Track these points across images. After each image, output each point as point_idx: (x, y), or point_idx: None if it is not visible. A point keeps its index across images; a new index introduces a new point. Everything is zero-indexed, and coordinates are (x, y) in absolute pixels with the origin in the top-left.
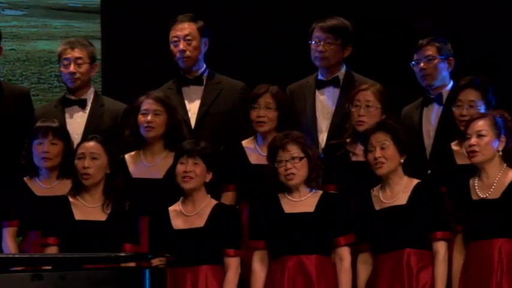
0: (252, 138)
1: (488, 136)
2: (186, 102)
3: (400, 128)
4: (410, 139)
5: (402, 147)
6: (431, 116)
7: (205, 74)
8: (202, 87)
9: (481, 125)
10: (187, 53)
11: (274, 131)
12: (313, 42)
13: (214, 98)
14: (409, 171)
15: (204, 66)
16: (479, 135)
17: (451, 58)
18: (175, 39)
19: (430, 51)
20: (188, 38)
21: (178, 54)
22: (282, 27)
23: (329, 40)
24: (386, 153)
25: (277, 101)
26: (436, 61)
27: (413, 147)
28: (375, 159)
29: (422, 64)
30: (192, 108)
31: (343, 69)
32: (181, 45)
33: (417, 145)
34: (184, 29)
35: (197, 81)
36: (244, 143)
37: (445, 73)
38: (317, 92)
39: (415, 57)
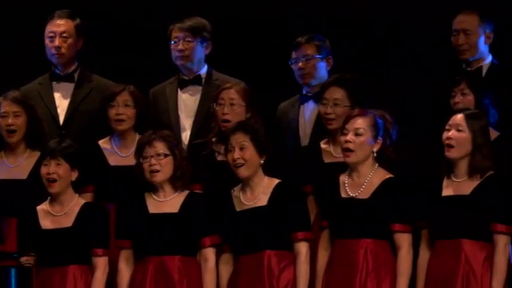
0: (108, 138)
1: (365, 136)
2: (56, 98)
3: (261, 128)
4: (271, 140)
5: (262, 148)
6: (308, 114)
7: (78, 72)
8: (73, 85)
9: (360, 123)
10: (62, 50)
11: (133, 129)
12: (173, 42)
13: (84, 96)
14: (268, 170)
15: (77, 63)
16: (357, 134)
17: (329, 57)
18: (51, 34)
19: (309, 50)
20: (64, 35)
21: (53, 50)
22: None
23: (188, 39)
24: (245, 154)
25: (134, 98)
26: (314, 60)
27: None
28: (234, 160)
29: (301, 63)
30: (62, 104)
31: (205, 68)
32: (57, 42)
33: (294, 143)
34: (61, 26)
35: (69, 78)
36: (101, 143)
37: (324, 72)
38: (179, 92)
39: (294, 55)
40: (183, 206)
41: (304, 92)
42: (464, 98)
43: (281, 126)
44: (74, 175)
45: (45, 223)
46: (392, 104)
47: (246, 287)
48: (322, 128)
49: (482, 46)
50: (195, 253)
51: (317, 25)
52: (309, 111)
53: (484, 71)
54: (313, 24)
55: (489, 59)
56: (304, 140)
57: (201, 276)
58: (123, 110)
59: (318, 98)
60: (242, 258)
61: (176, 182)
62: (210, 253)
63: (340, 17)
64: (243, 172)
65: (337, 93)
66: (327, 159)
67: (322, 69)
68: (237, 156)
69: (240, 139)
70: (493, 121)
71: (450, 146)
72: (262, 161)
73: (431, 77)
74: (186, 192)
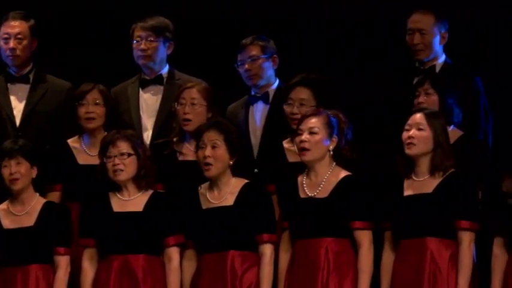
0: (77, 137)
1: (320, 134)
2: (12, 100)
3: (235, 130)
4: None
5: (233, 149)
6: (258, 114)
7: (33, 73)
8: (28, 86)
9: (314, 122)
10: (17, 51)
11: (103, 128)
12: (135, 41)
13: (40, 96)
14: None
15: (32, 64)
16: (311, 133)
17: (275, 56)
18: (6, 36)
19: (254, 51)
20: (19, 36)
21: (7, 52)
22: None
23: (150, 38)
24: (216, 152)
25: (104, 97)
26: (260, 61)
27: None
28: (204, 157)
29: (247, 65)
30: (18, 106)
31: (167, 68)
32: (12, 44)
33: (243, 144)
34: (16, 27)
35: (24, 79)
36: (70, 142)
37: (270, 71)
38: (141, 91)
39: (239, 57)
40: (147, 205)
41: (252, 93)
42: (428, 97)
43: None
44: (34, 172)
45: (6, 223)
46: (352, 103)
47: (208, 286)
48: (273, 128)
49: (437, 46)
50: (159, 252)
51: (273, 25)
52: (258, 112)
53: (437, 69)
54: (268, 25)
55: (442, 58)
56: (255, 141)
57: (165, 275)
58: (92, 108)
59: (284, 98)
60: (206, 257)
61: (140, 181)
62: (174, 252)
63: (296, 17)
64: (211, 172)
65: (303, 93)
66: (290, 159)
67: (268, 69)
68: (207, 154)
69: (213, 137)
70: (456, 120)
71: (411, 144)
72: (231, 162)
73: (385, 77)
74: (150, 191)
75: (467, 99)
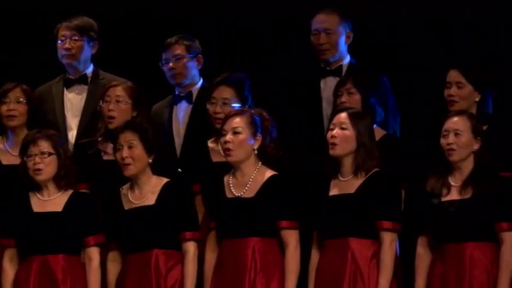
0: (1, 137)
1: (243, 134)
2: None
3: (150, 128)
4: (160, 139)
5: (150, 147)
6: (181, 114)
7: None
8: None
9: (238, 122)
10: None
11: (25, 126)
12: (60, 41)
13: None
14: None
15: None
16: (235, 133)
17: (199, 56)
18: None
19: (179, 50)
20: None
21: None
22: None
23: (75, 38)
24: (133, 152)
25: (27, 95)
26: (185, 60)
27: (163, 146)
28: (122, 158)
29: (171, 64)
30: None
31: (91, 68)
32: None
33: (167, 143)
34: None
35: None
36: None
37: (195, 71)
38: (65, 91)
39: (164, 56)
40: (67, 205)
41: (176, 92)
42: (351, 97)
43: (155, 126)
44: None
45: None
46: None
47: (134, 286)
48: (197, 127)
49: (343, 46)
50: (79, 252)
51: (197, 25)
52: (181, 111)
53: (344, 70)
54: (193, 24)
55: (348, 58)
56: (178, 140)
57: (85, 275)
58: (14, 106)
59: (207, 97)
60: (130, 257)
61: (60, 181)
62: (94, 252)
63: (219, 18)
64: (130, 171)
65: (225, 93)
66: (215, 159)
67: (192, 69)
68: (125, 155)
69: (129, 138)
70: (379, 120)
71: (334, 144)
72: (150, 160)
73: (291, 76)
74: (71, 191)
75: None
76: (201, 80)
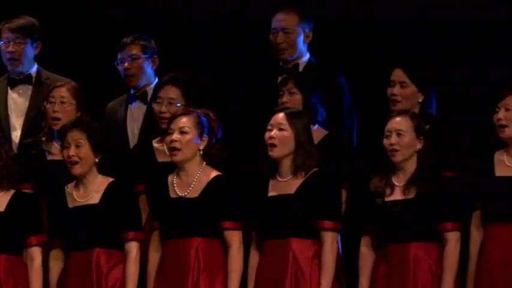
0: None
1: (191, 134)
2: None
3: (98, 127)
4: (108, 138)
5: (97, 146)
6: (136, 114)
7: None
8: None
9: (185, 121)
10: None
11: None
12: (2, 43)
13: None
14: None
15: None
16: (182, 132)
17: (155, 57)
18: None
19: (134, 50)
20: None
21: None
22: None
23: (18, 40)
24: (80, 152)
25: None
26: (140, 60)
27: (112, 145)
28: (69, 157)
29: (126, 63)
30: None
31: (35, 68)
32: None
33: (120, 143)
34: None
35: None
36: None
37: (150, 71)
38: (9, 91)
39: (119, 56)
40: (9, 205)
41: (131, 92)
42: (292, 97)
43: (110, 125)
44: None
45: None
46: (222, 102)
47: (75, 284)
48: (150, 127)
49: (301, 45)
50: (21, 252)
51: (144, 24)
52: (136, 111)
53: (301, 68)
54: (143, 24)
55: (306, 57)
56: (133, 140)
57: (27, 275)
58: None
59: (153, 96)
60: (72, 256)
61: (2, 181)
62: (36, 252)
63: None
64: (76, 170)
65: (171, 92)
66: (160, 159)
67: (148, 69)
68: (72, 154)
69: (77, 136)
70: (321, 119)
71: (273, 146)
72: (97, 160)
73: (251, 76)
74: (13, 191)
75: (331, 98)
76: (156, 80)
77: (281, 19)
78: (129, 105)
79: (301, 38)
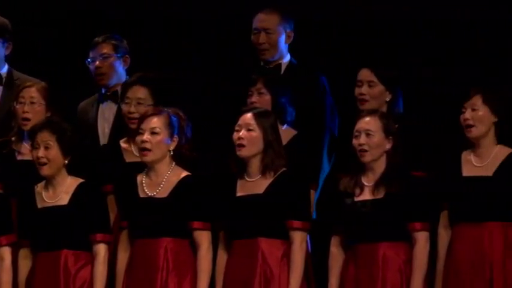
0: None
1: (161, 134)
2: None
3: (68, 128)
4: (79, 139)
5: (67, 148)
6: (107, 113)
7: None
8: None
9: (156, 122)
10: None
11: None
12: None
13: None
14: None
15: None
16: (153, 133)
17: (127, 56)
18: None
19: (106, 49)
20: None
21: None
22: None
23: None
24: (49, 153)
25: None
26: (111, 59)
27: (83, 146)
28: (38, 158)
29: (97, 62)
30: None
31: (5, 68)
32: None
33: (90, 143)
34: None
35: None
36: None
37: (121, 71)
38: None
39: (91, 55)
40: None
41: (102, 91)
42: (261, 97)
43: (81, 125)
44: None
45: None
46: (190, 102)
47: (42, 285)
48: (121, 127)
49: (283, 45)
50: None
51: (144, 24)
52: (107, 110)
53: (283, 69)
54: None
55: (287, 57)
56: (103, 140)
57: None
58: None
59: (121, 97)
60: (39, 256)
61: None
62: (5, 252)
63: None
64: (45, 171)
65: (140, 92)
66: (128, 159)
67: (119, 68)
68: (41, 155)
69: (46, 138)
70: (290, 119)
71: (241, 146)
72: (66, 161)
73: (230, 75)
74: None
75: (312, 98)
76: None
77: (262, 19)
78: (100, 105)
79: (283, 38)
